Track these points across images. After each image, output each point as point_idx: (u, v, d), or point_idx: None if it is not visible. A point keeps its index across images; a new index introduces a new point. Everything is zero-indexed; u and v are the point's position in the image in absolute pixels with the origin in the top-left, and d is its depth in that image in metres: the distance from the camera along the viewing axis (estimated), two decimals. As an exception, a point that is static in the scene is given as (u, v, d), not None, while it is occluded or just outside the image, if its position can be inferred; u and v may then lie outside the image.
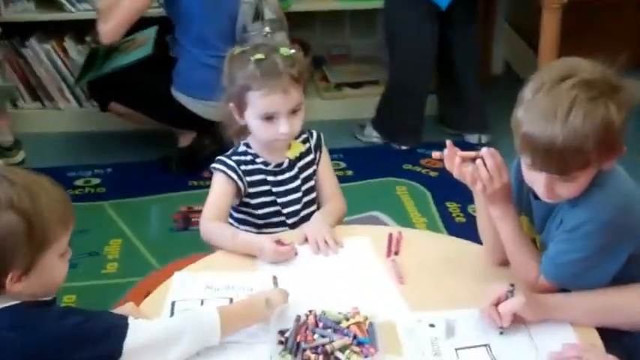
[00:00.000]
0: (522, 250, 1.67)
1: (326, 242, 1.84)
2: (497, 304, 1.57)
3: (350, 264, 1.82)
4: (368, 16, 4.15)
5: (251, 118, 1.92)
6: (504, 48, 4.50)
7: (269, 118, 1.90)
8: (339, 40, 4.29)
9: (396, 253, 1.84)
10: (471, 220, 3.13)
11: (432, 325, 1.60)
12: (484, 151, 1.62)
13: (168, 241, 3.05)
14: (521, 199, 1.71)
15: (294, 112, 1.91)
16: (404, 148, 3.78)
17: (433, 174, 3.52)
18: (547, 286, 1.63)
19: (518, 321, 1.57)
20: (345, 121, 3.89)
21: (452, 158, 1.63)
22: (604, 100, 1.46)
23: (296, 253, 1.82)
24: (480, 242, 1.84)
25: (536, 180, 1.55)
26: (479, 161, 1.62)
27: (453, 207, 3.23)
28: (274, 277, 1.66)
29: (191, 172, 3.48)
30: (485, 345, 1.55)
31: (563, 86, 1.47)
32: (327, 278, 1.76)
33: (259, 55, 1.89)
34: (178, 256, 2.78)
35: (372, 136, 3.84)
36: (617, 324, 1.59)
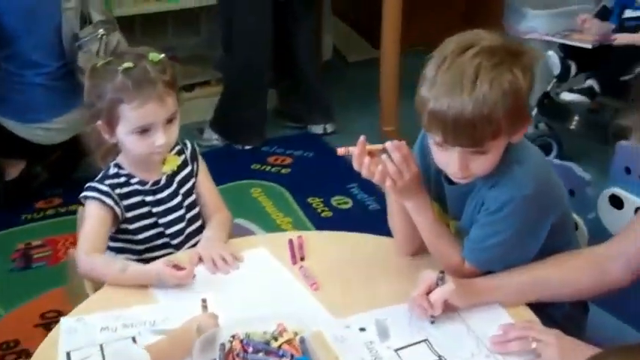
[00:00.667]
0: (443, 238, 1.60)
1: (223, 259, 1.68)
2: (427, 293, 1.48)
3: (256, 278, 1.67)
4: (190, 16, 3.98)
5: (123, 133, 1.71)
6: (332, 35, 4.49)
7: (144, 130, 1.70)
8: (162, 42, 4.08)
9: (302, 259, 1.71)
10: (338, 213, 3.08)
11: (362, 329, 1.49)
12: (388, 144, 1.53)
13: (9, 283, 2.74)
14: (429, 186, 1.63)
15: (169, 121, 1.73)
16: (247, 147, 3.66)
17: (285, 171, 3.42)
18: (472, 270, 1.57)
19: (448, 309, 1.50)
20: (182, 127, 3.69)
21: (362, 157, 1.52)
22: (508, 65, 1.42)
23: (194, 276, 1.64)
24: (372, 232, 1.77)
25: (449, 159, 1.48)
26: (384, 156, 1.52)
27: (315, 202, 3.14)
28: (203, 301, 1.48)
29: (23, 205, 3.16)
30: (424, 340, 1.46)
31: (466, 57, 1.41)
32: (238, 297, 1.60)
33: (127, 64, 1.68)
34: (24, 298, 2.53)
35: (212, 139, 3.69)
36: (546, 298, 1.56)
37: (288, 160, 3.50)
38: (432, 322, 1.49)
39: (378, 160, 1.52)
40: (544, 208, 1.52)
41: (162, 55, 1.74)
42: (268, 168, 3.46)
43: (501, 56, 1.42)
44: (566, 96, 3.11)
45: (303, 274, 1.65)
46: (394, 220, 1.66)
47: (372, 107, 3.67)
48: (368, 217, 3.07)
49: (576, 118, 3.29)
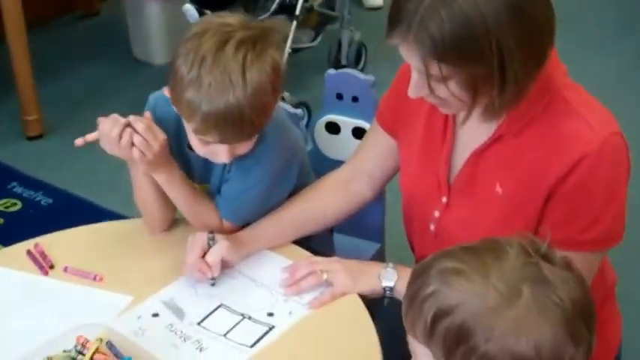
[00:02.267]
0: (201, 204, 1.59)
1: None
2: (203, 256, 1.49)
3: (18, 301, 1.50)
4: None
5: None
6: None
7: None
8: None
9: (52, 267, 1.57)
10: (9, 217, 2.84)
11: (155, 315, 1.44)
12: (131, 118, 1.46)
13: None
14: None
15: None
16: None
17: None
18: (231, 227, 1.60)
19: (225, 267, 1.51)
20: None
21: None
22: (267, 49, 1.43)
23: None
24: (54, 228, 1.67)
25: (216, 150, 1.47)
26: (129, 129, 1.45)
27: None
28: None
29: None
30: (219, 306, 1.46)
31: (227, 53, 1.39)
32: (17, 328, 1.44)
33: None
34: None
35: None
36: (307, 231, 1.63)
37: None
38: (213, 285, 1.49)
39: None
40: (290, 156, 1.59)
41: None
42: None
43: (260, 43, 1.42)
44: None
45: (74, 274, 1.54)
46: (144, 195, 1.60)
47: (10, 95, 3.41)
48: (44, 212, 2.89)
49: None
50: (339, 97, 1.79)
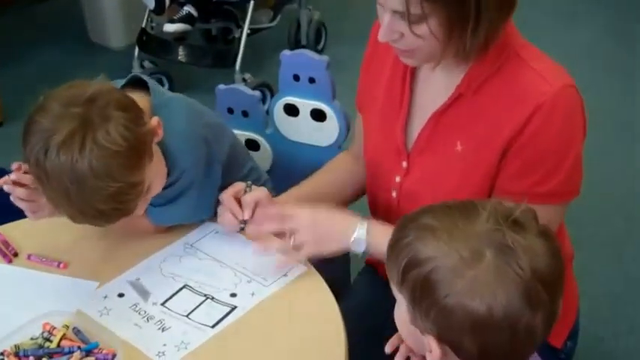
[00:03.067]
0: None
1: None
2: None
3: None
4: None
5: None
6: None
7: None
8: None
9: (16, 255, 1.58)
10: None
11: (121, 295, 1.46)
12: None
13: None
14: None
15: None
16: None
17: None
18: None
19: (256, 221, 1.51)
20: None
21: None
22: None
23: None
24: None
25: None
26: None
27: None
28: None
29: None
30: (184, 286, 1.48)
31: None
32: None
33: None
34: None
35: None
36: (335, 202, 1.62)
37: None
38: (242, 229, 1.52)
39: None
40: (210, 159, 1.55)
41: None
42: None
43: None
44: (170, 27, 3.14)
45: (38, 262, 1.54)
46: None
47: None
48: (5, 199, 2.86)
49: (181, 48, 3.35)
50: (296, 78, 1.80)
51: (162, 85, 3.32)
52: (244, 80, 3.24)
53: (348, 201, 1.68)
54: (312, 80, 1.79)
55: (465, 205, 1.07)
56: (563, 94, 1.34)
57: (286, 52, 1.82)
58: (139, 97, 1.44)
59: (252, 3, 3.25)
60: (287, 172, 1.87)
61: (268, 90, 3.23)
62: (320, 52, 3.69)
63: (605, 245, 2.60)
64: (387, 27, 1.30)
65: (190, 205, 1.56)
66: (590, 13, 4.06)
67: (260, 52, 3.59)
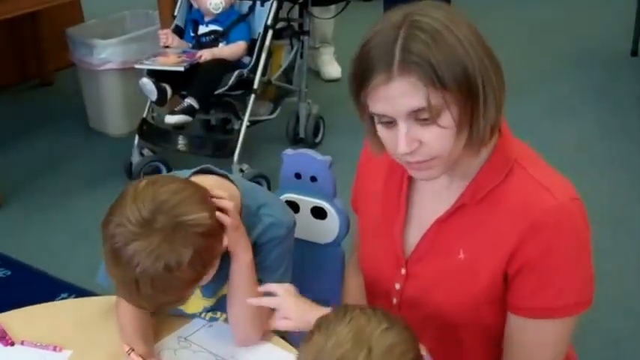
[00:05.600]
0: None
1: None
2: None
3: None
4: None
5: None
6: None
7: None
8: None
9: (12, 344, 1.57)
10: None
11: None
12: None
13: None
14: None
15: None
16: None
17: None
18: None
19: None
20: None
21: None
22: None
23: None
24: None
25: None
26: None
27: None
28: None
29: None
30: None
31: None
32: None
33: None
34: None
35: None
36: None
37: None
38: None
39: None
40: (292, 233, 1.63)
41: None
42: None
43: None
44: (171, 119, 3.16)
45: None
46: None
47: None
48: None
49: (180, 137, 3.38)
50: (298, 176, 1.81)
51: (160, 171, 3.37)
52: (241, 171, 3.27)
53: None
54: (313, 179, 1.81)
55: (340, 309, 1.24)
56: (568, 208, 1.35)
57: (289, 151, 1.83)
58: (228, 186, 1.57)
59: (252, 96, 3.29)
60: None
61: (265, 181, 3.25)
62: (318, 144, 3.75)
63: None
64: (407, 136, 1.27)
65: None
66: (577, 110, 4.04)
67: (257, 143, 3.63)
